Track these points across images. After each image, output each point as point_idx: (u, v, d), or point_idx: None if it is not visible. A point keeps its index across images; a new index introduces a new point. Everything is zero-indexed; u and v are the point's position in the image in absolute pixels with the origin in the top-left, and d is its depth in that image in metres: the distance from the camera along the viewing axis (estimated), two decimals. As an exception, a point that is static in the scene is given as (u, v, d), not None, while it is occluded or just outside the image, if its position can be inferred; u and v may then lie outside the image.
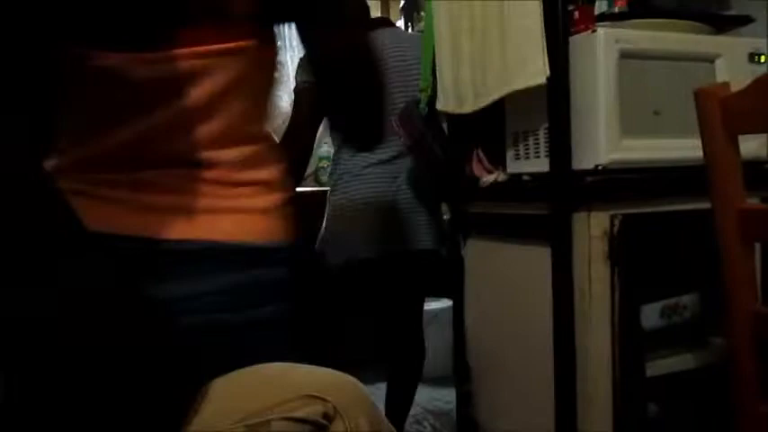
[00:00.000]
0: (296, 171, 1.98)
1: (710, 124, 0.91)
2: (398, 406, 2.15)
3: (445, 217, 1.96)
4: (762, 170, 1.42)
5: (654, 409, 1.38)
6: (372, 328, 2.36)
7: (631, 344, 1.29)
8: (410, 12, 3.52)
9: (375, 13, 3.93)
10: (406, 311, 2.17)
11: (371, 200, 1.96)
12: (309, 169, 3.41)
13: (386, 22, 2.30)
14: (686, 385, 1.40)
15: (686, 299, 1.41)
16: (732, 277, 0.96)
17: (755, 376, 0.98)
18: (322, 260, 2.04)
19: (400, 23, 3.61)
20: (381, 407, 2.18)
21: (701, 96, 0.93)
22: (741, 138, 0.97)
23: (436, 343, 2.69)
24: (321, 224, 2.07)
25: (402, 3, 3.58)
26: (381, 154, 1.97)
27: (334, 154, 2.09)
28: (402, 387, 2.17)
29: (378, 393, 2.20)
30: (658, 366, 1.35)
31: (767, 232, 0.94)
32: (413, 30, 3.42)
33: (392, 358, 2.18)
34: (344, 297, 2.20)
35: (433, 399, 2.73)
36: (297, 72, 2.04)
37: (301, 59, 2.02)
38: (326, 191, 2.10)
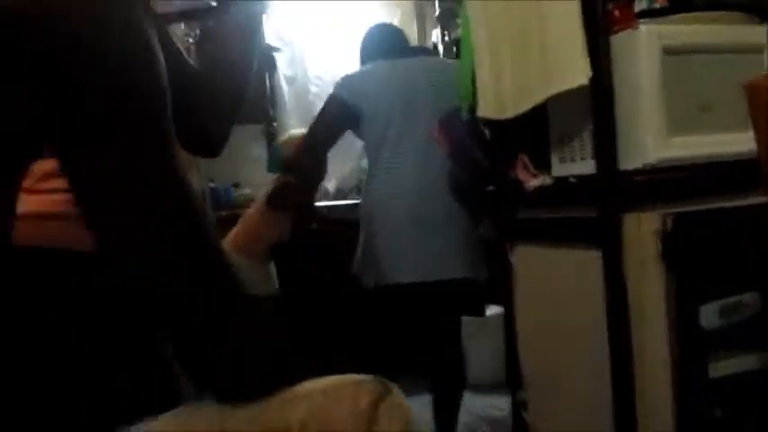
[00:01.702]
0: (311, 173, 2.02)
1: (763, 117, 0.88)
2: (446, 415, 2.14)
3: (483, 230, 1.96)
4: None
5: (719, 412, 1.34)
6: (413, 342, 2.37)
7: (691, 345, 1.26)
8: (446, 20, 3.52)
9: (411, 22, 3.95)
10: (442, 330, 2.16)
11: (403, 224, 1.97)
12: (353, 182, 3.44)
13: (420, 50, 2.34)
14: (752, 387, 1.35)
15: (747, 297, 1.36)
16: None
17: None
18: (357, 281, 2.07)
19: (437, 32, 3.62)
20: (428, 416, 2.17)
21: (750, 89, 0.91)
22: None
23: (489, 350, 2.68)
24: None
25: (438, 11, 3.58)
26: (412, 176, 1.99)
27: (369, 170, 2.11)
28: (446, 399, 2.15)
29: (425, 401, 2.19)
30: (721, 368, 1.31)
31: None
32: (450, 38, 3.42)
33: (433, 370, 2.18)
34: (378, 318, 2.22)
35: (487, 406, 2.71)
36: (337, 84, 2.08)
37: (335, 88, 2.07)
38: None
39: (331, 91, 2.13)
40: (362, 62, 2.22)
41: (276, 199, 2.28)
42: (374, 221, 2.02)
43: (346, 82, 2.10)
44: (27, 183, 0.69)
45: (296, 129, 2.48)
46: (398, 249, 1.97)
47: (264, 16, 1.06)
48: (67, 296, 0.73)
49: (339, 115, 2.06)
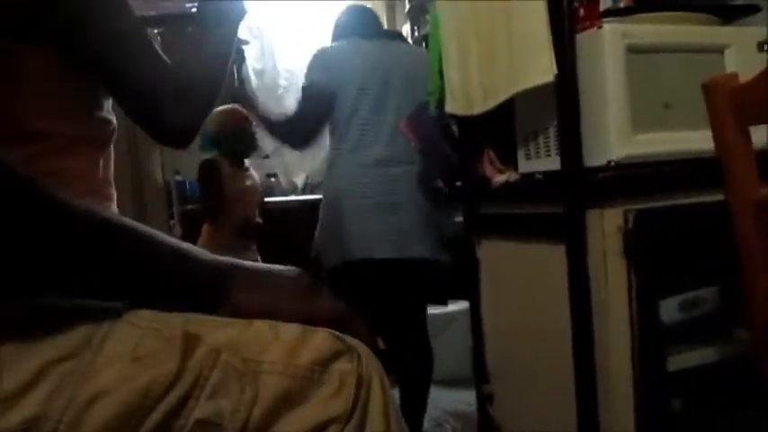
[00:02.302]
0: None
1: (720, 116, 0.90)
2: (412, 410, 2.15)
3: (457, 219, 1.97)
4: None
5: (678, 404, 1.37)
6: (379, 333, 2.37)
7: (651, 339, 1.29)
8: (416, 16, 3.53)
9: (381, 17, 3.94)
10: (407, 316, 2.17)
11: (368, 201, 1.97)
12: (321, 177, 3.45)
13: (395, 35, 2.34)
14: (711, 380, 1.38)
15: (705, 292, 1.39)
16: (750, 269, 0.95)
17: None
18: (318, 263, 2.07)
19: (406, 27, 3.63)
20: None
21: (709, 88, 0.92)
22: (757, 127, 0.96)
23: (456, 345, 2.70)
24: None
25: (408, 7, 3.58)
26: (379, 155, 1.99)
27: (330, 154, 2.10)
28: (413, 391, 2.17)
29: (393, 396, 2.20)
30: (680, 361, 1.34)
31: (783, 223, 0.93)
32: (419, 33, 3.43)
33: (400, 364, 2.19)
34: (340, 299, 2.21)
35: (453, 401, 2.73)
36: (306, 73, 2.07)
37: (311, 60, 2.06)
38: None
39: (301, 83, 2.11)
40: (336, 38, 2.19)
41: (204, 178, 2.41)
42: (339, 199, 2.01)
43: (321, 57, 2.07)
44: None
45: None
46: (365, 226, 1.97)
47: (245, 15, 1.09)
48: None
49: (320, 103, 2.03)
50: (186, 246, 0.61)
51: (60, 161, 0.88)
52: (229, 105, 2.47)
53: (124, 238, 0.57)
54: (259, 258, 2.57)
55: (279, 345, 0.57)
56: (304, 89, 2.06)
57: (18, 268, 0.52)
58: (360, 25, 2.16)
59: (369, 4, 3.86)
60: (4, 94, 0.83)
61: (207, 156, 2.52)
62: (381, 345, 0.65)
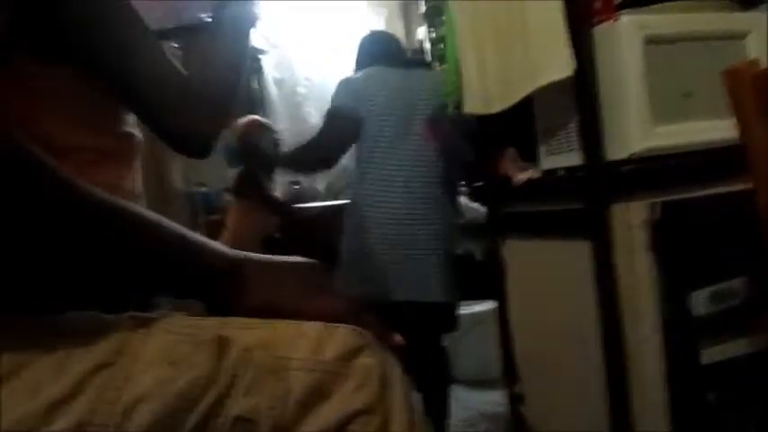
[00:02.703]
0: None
1: (742, 104, 0.89)
2: (435, 414, 2.14)
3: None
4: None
5: (713, 397, 1.35)
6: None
7: (682, 332, 1.27)
8: (432, 17, 3.52)
9: (397, 19, 3.95)
10: (423, 342, 2.15)
11: (387, 239, 1.96)
12: (342, 182, 3.45)
13: (419, 62, 2.34)
14: (746, 372, 1.36)
15: (736, 283, 1.37)
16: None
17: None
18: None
19: (422, 30, 3.63)
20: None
21: (729, 76, 0.91)
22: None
23: (483, 345, 2.68)
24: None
25: (423, 9, 3.58)
26: (402, 182, 1.98)
27: (355, 180, 2.10)
28: (433, 394, 2.15)
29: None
30: (714, 353, 1.32)
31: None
32: (436, 35, 3.42)
33: (416, 370, 2.17)
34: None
35: (483, 402, 2.72)
36: (332, 98, 2.07)
37: (337, 87, 2.06)
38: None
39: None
40: (359, 66, 2.20)
41: (237, 189, 2.28)
42: (358, 236, 2.01)
43: (347, 85, 2.08)
44: None
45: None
46: (387, 269, 1.96)
47: (258, 22, 1.11)
48: None
49: (346, 127, 2.03)
50: (203, 239, 0.63)
51: (90, 175, 0.88)
52: (248, 117, 2.47)
53: (148, 228, 0.60)
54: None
55: (306, 341, 0.59)
56: (329, 113, 2.06)
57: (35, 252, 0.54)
58: (384, 52, 2.17)
59: (384, 10, 3.89)
60: (29, 111, 0.85)
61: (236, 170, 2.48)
62: (399, 339, 0.66)
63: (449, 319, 2.14)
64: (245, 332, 0.59)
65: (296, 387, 0.57)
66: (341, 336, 0.60)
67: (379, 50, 2.19)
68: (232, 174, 2.47)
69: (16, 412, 0.51)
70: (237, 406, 0.55)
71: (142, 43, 0.94)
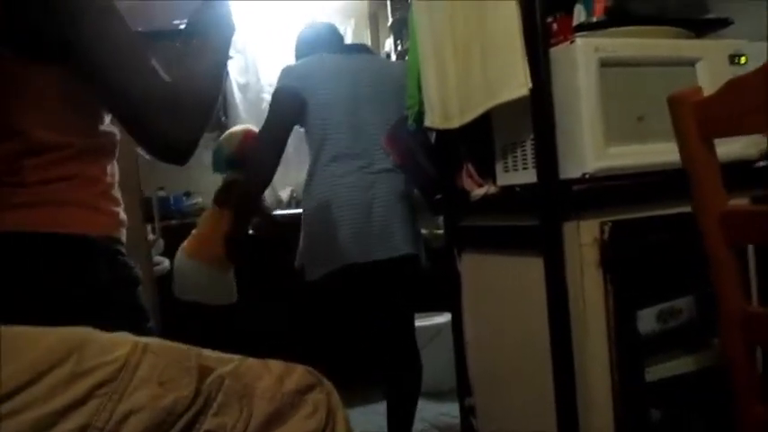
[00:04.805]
0: (263, 168, 2.03)
1: (684, 129, 0.92)
2: (401, 422, 2.15)
3: (439, 232, 1.99)
4: (750, 170, 1.42)
5: (657, 414, 1.38)
6: (368, 345, 2.38)
7: (629, 349, 1.30)
8: (399, 30, 3.54)
9: (364, 31, 3.97)
10: (395, 322, 2.18)
11: (346, 209, 2.00)
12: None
13: (360, 48, 2.35)
14: (689, 389, 1.39)
15: (682, 302, 1.41)
16: (720, 279, 0.96)
17: (751, 377, 0.98)
18: (303, 275, 2.08)
19: (389, 41, 3.65)
20: (383, 425, 2.18)
21: (674, 102, 0.94)
22: (726, 139, 0.98)
23: (441, 357, 2.69)
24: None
25: (390, 21, 3.61)
26: (353, 164, 2.01)
27: (310, 166, 2.10)
28: (402, 403, 2.17)
29: (381, 410, 2.21)
30: (658, 371, 1.35)
31: (749, 233, 0.94)
32: (402, 47, 3.45)
33: (388, 375, 2.19)
34: (329, 311, 2.23)
35: (439, 413, 2.73)
36: (281, 76, 2.08)
37: (280, 75, 2.07)
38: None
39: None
40: (300, 55, 2.20)
41: (222, 196, 2.24)
42: (318, 210, 2.04)
43: (290, 71, 2.08)
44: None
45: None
46: (344, 234, 2.00)
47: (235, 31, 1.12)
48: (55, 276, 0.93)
49: (290, 105, 2.03)
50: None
51: (73, 168, 0.98)
52: (242, 126, 2.42)
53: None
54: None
55: (269, 375, 0.75)
56: (273, 96, 2.08)
57: None
58: (324, 41, 2.19)
59: (352, 20, 3.90)
60: (16, 110, 0.93)
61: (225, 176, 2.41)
62: None
63: (416, 269, 2.16)
64: (222, 363, 0.73)
65: (258, 411, 0.71)
66: (298, 374, 0.76)
67: (317, 40, 2.20)
68: (204, 178, 2.42)
69: (35, 412, 0.62)
70: (209, 422, 0.68)
71: (125, 49, 0.95)
